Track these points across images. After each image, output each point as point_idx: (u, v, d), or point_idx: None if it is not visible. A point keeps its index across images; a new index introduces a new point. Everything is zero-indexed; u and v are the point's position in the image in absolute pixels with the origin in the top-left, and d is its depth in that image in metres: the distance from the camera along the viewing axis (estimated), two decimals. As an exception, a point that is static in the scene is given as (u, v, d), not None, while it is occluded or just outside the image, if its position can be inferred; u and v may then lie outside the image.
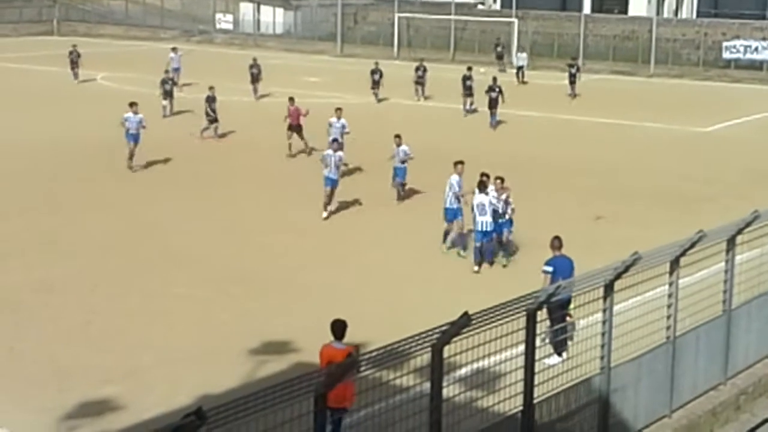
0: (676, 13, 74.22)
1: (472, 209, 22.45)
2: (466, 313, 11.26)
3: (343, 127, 31.48)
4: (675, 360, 15.29)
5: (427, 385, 11.47)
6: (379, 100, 46.92)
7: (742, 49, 61.06)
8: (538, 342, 12.80)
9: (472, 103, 43.97)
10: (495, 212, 22.28)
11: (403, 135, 28.77)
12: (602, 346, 13.90)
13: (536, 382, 12.70)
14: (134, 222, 26.15)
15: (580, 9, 67.83)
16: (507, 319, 11.88)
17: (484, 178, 22.66)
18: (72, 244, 24.26)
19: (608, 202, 29.04)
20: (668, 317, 15.15)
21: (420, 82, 47.95)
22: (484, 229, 22.13)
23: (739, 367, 17.01)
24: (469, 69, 45.24)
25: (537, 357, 12.79)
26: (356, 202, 27.91)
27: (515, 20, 65.89)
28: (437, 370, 11.36)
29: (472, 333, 11.43)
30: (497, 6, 77.47)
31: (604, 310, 13.86)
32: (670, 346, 15.19)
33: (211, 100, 36.84)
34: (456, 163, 23.93)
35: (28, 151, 34.83)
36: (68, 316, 19.45)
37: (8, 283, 21.30)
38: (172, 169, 32.51)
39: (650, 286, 14.77)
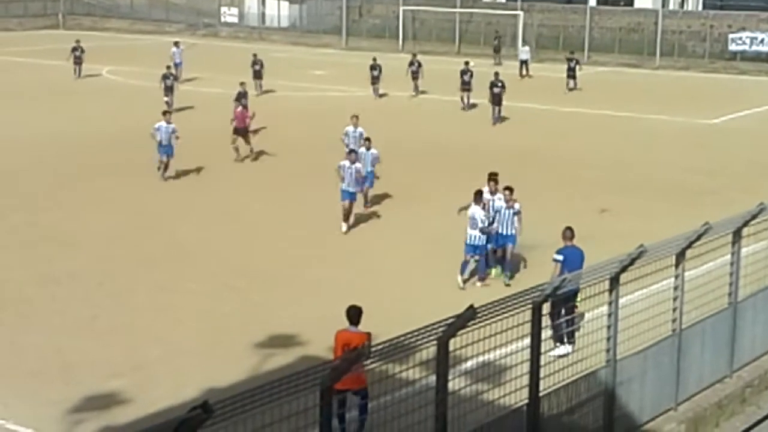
0: (681, 5, 74.04)
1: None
2: (471, 306, 11.26)
3: (361, 135, 28.73)
4: (681, 353, 15.28)
5: (433, 378, 11.49)
6: (380, 96, 46.29)
7: (748, 40, 60.92)
8: (544, 335, 12.81)
9: (469, 98, 43.36)
10: (492, 221, 21.00)
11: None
12: (608, 339, 13.92)
13: (542, 374, 12.71)
14: (139, 216, 26.18)
15: (585, 1, 67.63)
16: (513, 312, 11.89)
17: (485, 188, 21.42)
18: (77, 238, 24.29)
19: (613, 194, 29.02)
20: (674, 310, 15.15)
21: (415, 76, 47.29)
22: (473, 242, 20.77)
23: (745, 359, 17.00)
24: (467, 63, 44.69)
25: (545, 349, 12.80)
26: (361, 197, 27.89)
27: (521, 13, 65.78)
28: (443, 363, 11.37)
29: (477, 326, 11.43)
30: (502, -2, 77.35)
31: (610, 303, 13.87)
32: (675, 339, 15.18)
33: (240, 96, 35.94)
34: (476, 193, 21.08)
35: (33, 145, 34.86)
36: (74, 310, 19.49)
37: (15, 278, 21.34)
38: (174, 164, 32.49)
39: (656, 278, 14.77)
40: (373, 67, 46.60)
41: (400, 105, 44.95)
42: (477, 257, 21.00)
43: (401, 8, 69.11)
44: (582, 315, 15.12)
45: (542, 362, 12.69)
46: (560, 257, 17.53)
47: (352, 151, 25.99)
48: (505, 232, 21.16)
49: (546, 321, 13.02)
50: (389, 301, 19.54)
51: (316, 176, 27.83)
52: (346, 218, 24.85)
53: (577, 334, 15.40)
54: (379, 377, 10.83)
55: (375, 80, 46.48)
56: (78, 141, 35.21)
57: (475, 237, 20.76)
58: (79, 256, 22.86)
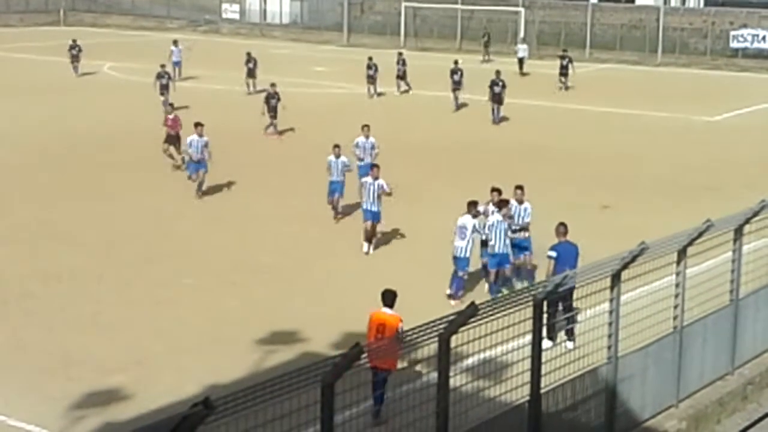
0: (683, 1, 74.00)
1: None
2: (473, 303, 11.27)
3: (373, 147, 27.55)
4: (682, 350, 15.28)
5: (435, 375, 11.49)
6: (378, 94, 45.62)
7: (749, 38, 60.86)
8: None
9: (458, 97, 42.74)
10: (485, 242, 19.76)
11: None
12: (609, 336, 13.92)
13: (543, 371, 12.71)
14: (141, 212, 26.19)
15: (587, -2, 67.66)
16: (514, 310, 11.89)
17: (484, 202, 20.29)
18: (78, 234, 24.31)
19: (614, 191, 29.01)
20: (675, 307, 15.15)
21: (401, 74, 46.66)
22: (458, 254, 19.67)
23: (746, 357, 17.00)
24: (456, 63, 44.17)
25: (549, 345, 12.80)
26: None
27: (522, 9, 65.71)
28: (444, 359, 11.37)
29: (479, 323, 11.44)
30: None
31: (611, 300, 13.87)
32: (677, 336, 15.19)
33: (270, 97, 35.80)
34: (470, 204, 19.93)
35: (35, 141, 34.87)
36: (76, 306, 19.50)
37: (16, 274, 21.35)
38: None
39: (657, 275, 14.77)
40: (369, 66, 45.73)
41: (397, 103, 44.81)
42: (461, 273, 19.75)
43: (403, 5, 69.04)
44: (578, 311, 15.15)
45: (544, 359, 12.69)
46: (554, 253, 17.52)
47: (374, 165, 23.89)
48: (499, 251, 19.65)
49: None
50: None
51: (317, 172, 27.73)
52: (368, 239, 23.12)
53: (577, 331, 15.43)
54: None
55: (371, 79, 45.62)
56: (79, 137, 35.21)
57: (459, 249, 19.61)
58: (80, 252, 22.87)
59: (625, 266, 13.67)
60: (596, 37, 64.86)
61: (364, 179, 23.55)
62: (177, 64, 49.05)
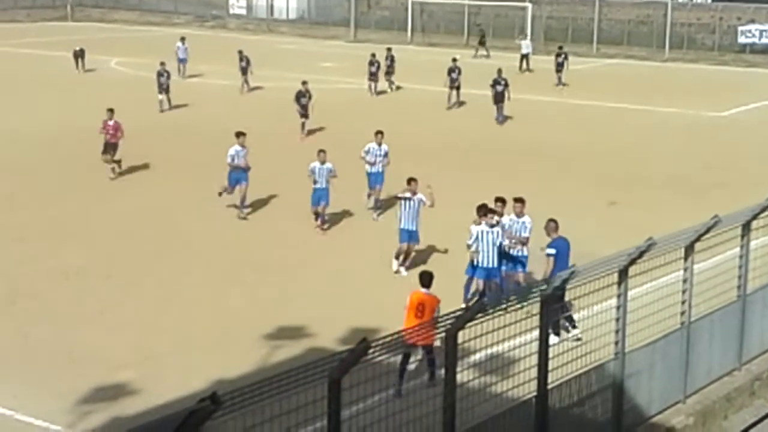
0: (691, -3, 73.88)
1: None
2: (480, 299, 11.27)
3: (386, 154, 25.74)
4: (689, 345, 15.27)
5: (442, 371, 11.49)
6: (378, 93, 45.08)
7: (757, 33, 60.74)
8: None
9: (459, 96, 42.14)
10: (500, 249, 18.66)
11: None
12: (616, 332, 13.91)
13: (550, 367, 12.71)
14: (146, 210, 26.21)
15: (594, -7, 67.54)
16: (521, 306, 11.89)
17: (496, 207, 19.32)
18: (85, 231, 24.34)
19: (622, 187, 28.96)
20: (683, 303, 15.13)
21: (389, 71, 45.78)
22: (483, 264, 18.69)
23: (753, 352, 16.98)
24: (454, 60, 43.39)
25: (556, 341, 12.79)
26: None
27: (529, 5, 65.59)
28: (451, 355, 11.38)
29: (486, 318, 11.44)
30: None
31: (619, 296, 13.86)
32: (684, 332, 15.17)
33: (301, 95, 35.26)
34: (480, 209, 18.68)
35: (42, 138, 34.91)
36: (83, 303, 19.53)
37: (24, 271, 21.39)
38: (180, 158, 32.55)
39: (665, 271, 14.76)
40: (371, 63, 45.17)
41: (400, 100, 44.66)
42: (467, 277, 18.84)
43: (410, 0, 69.02)
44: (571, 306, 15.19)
45: (550, 355, 12.68)
46: (553, 250, 17.52)
47: (412, 179, 21.35)
48: (488, 264, 18.54)
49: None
50: (398, 294, 19.48)
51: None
52: (403, 260, 21.27)
53: (582, 326, 15.44)
54: (387, 369, 10.83)
55: (372, 76, 44.95)
56: (85, 134, 35.19)
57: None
58: (87, 249, 22.89)
59: (633, 262, 13.65)
60: (603, 32, 64.76)
61: (402, 193, 21.20)
62: (182, 61, 48.53)
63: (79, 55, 50.76)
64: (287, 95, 36.73)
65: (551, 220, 18.02)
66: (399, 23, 70.08)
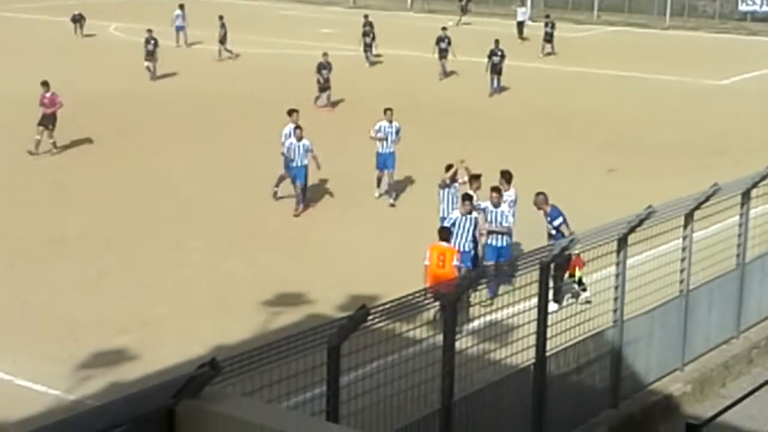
0: (692, -36, 73.38)
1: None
2: (479, 267, 11.26)
3: (398, 131, 24.64)
4: (688, 313, 15.29)
5: (440, 338, 11.50)
6: (372, 63, 44.11)
7: (758, 1, 60.44)
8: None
9: (445, 66, 41.39)
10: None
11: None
12: (615, 300, 13.92)
13: (549, 334, 12.72)
14: (145, 175, 26.17)
15: (595, -40, 67.01)
16: (520, 273, 11.89)
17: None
18: (83, 196, 24.33)
19: (621, 154, 28.91)
20: (681, 271, 15.14)
21: (367, 42, 44.18)
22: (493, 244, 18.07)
23: (751, 321, 17.01)
24: (444, 29, 42.71)
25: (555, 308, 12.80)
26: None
27: (530, -29, 65.14)
28: (450, 322, 11.39)
29: (485, 286, 11.44)
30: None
31: (618, 264, 13.86)
32: (683, 300, 15.19)
33: (322, 67, 34.64)
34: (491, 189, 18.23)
35: (33, 101, 34.73)
36: (82, 268, 19.54)
37: (22, 236, 21.40)
38: (179, 122, 32.46)
39: (664, 239, 14.75)
40: (365, 34, 44.11)
41: (398, 67, 44.23)
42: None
43: (410, -34, 68.47)
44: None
45: (549, 322, 12.70)
46: (560, 219, 17.55)
47: (468, 196, 18.43)
48: (462, 248, 17.24)
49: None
50: (397, 262, 19.52)
51: (326, 140, 27.59)
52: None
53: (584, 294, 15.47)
54: (386, 336, 10.84)
55: (368, 47, 43.86)
56: (82, 98, 35.07)
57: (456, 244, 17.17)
58: (85, 215, 22.88)
59: (632, 230, 13.64)
60: (604, 0, 64.40)
61: (484, 204, 18.35)
62: (180, 29, 47.22)
63: (77, 20, 50.46)
64: (290, 62, 36.51)
65: (539, 193, 17.93)
66: (399, -11, 69.60)
